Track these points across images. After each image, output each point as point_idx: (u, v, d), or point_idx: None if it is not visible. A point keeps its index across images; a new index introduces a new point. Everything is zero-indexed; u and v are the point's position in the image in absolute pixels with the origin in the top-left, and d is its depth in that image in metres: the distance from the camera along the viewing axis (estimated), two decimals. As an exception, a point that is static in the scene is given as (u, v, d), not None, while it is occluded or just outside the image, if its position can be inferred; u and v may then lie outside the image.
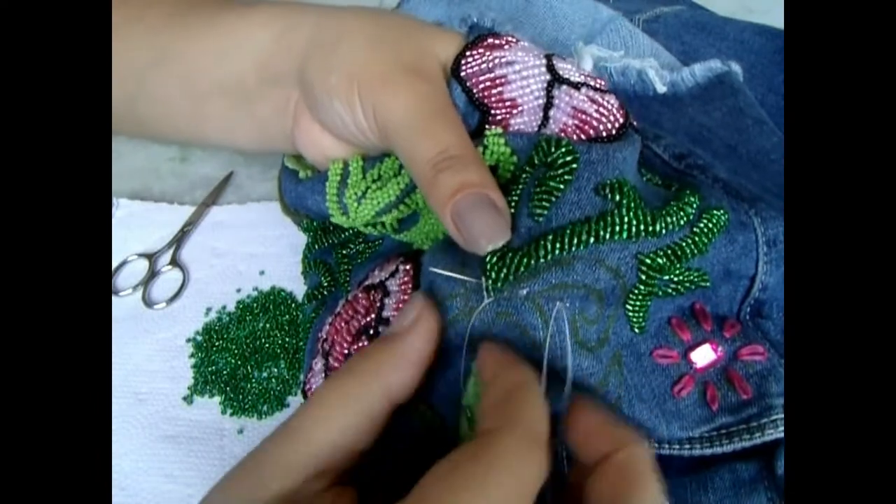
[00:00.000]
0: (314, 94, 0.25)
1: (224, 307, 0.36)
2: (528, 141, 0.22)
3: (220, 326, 0.35)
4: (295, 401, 0.33)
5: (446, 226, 0.20)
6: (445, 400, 0.20)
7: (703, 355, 0.23)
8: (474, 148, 0.22)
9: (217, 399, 0.33)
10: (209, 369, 0.33)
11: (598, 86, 0.24)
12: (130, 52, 0.28)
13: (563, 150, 0.21)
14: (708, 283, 0.23)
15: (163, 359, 0.34)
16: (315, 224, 0.32)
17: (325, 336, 0.26)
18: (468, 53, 0.24)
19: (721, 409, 0.22)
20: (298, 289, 0.36)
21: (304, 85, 0.25)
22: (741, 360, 0.23)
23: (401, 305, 0.23)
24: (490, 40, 0.24)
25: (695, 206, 0.22)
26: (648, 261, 0.21)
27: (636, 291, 0.22)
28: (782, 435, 0.21)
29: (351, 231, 0.30)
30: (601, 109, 0.23)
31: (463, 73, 0.24)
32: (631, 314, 0.22)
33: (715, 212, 0.23)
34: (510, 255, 0.20)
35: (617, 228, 0.20)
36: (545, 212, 0.21)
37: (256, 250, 0.38)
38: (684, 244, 0.22)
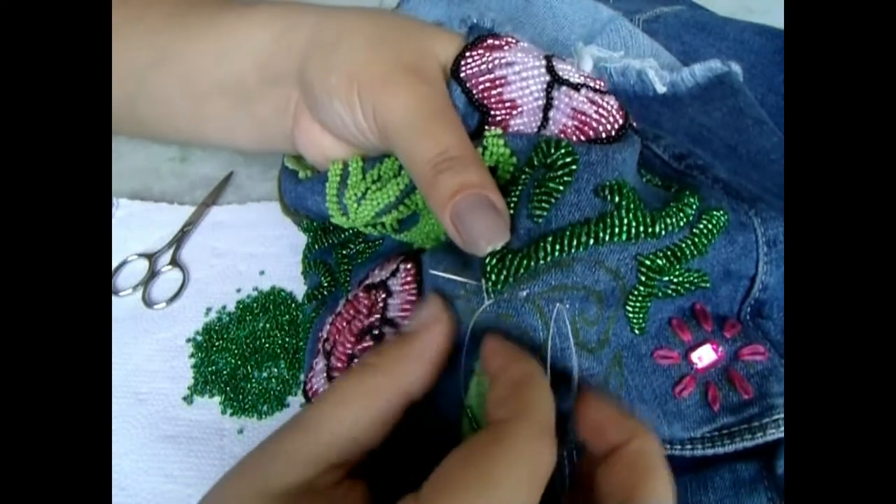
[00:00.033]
0: (314, 94, 0.24)
1: (224, 307, 0.36)
2: (528, 142, 0.22)
3: (220, 326, 0.35)
4: (295, 401, 0.32)
5: (445, 227, 0.21)
6: (448, 399, 0.20)
7: (704, 355, 0.23)
8: (474, 149, 0.22)
9: (217, 399, 0.33)
10: (209, 369, 0.33)
11: (597, 87, 0.24)
12: (130, 52, 0.28)
13: (563, 151, 0.21)
14: (708, 284, 0.23)
15: (163, 359, 0.34)
16: (315, 224, 0.32)
17: (326, 336, 0.26)
18: (468, 54, 0.24)
19: (722, 409, 0.22)
20: (298, 289, 0.36)
21: (304, 85, 0.25)
22: (742, 360, 0.23)
23: (406, 306, 0.23)
24: (490, 41, 0.24)
25: (694, 207, 0.22)
26: (648, 262, 0.21)
27: (636, 292, 0.22)
28: (783, 434, 0.21)
29: (351, 231, 0.30)
30: (601, 111, 0.23)
31: (463, 74, 0.24)
32: (631, 315, 0.22)
33: (714, 212, 0.23)
34: (510, 256, 0.20)
35: (616, 230, 0.20)
36: (544, 213, 0.21)
37: (256, 250, 0.38)
38: (684, 245, 0.22)
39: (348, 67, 0.23)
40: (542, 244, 0.20)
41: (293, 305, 0.36)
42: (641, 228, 0.21)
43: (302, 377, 0.33)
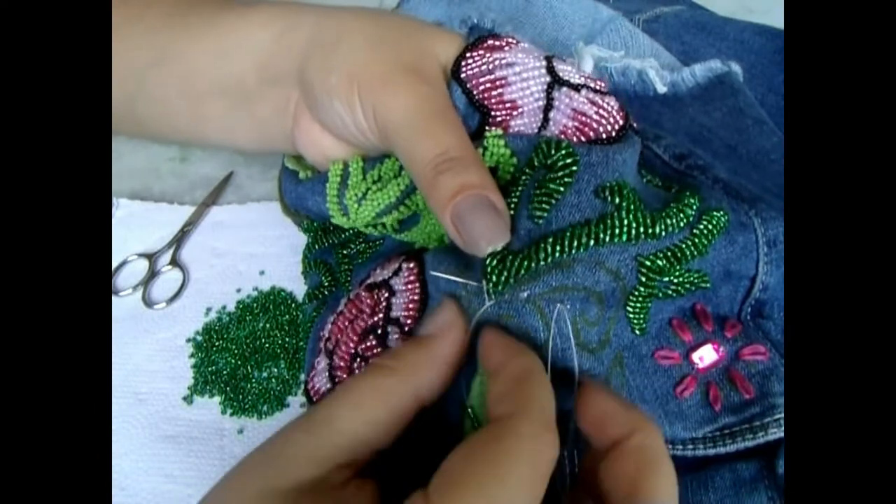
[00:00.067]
0: (314, 95, 0.24)
1: (224, 307, 0.36)
2: (528, 143, 0.22)
3: (220, 326, 0.35)
4: (295, 401, 0.32)
5: (446, 227, 0.20)
6: (449, 399, 0.20)
7: (705, 356, 0.23)
8: (474, 149, 0.22)
9: (217, 399, 0.33)
10: (209, 369, 0.33)
11: (598, 87, 0.24)
12: (130, 52, 0.28)
13: (563, 152, 0.21)
14: (708, 284, 0.23)
15: (163, 359, 0.34)
16: (315, 224, 0.32)
17: (327, 335, 0.26)
18: (468, 55, 0.24)
19: (724, 409, 0.22)
20: (298, 289, 0.36)
21: (304, 85, 0.25)
22: (743, 359, 0.23)
23: (410, 305, 0.23)
24: (490, 42, 0.24)
25: (694, 207, 0.22)
26: (648, 263, 0.21)
27: (636, 293, 0.22)
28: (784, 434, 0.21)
29: (351, 231, 0.30)
30: (601, 111, 0.23)
31: (463, 75, 0.24)
32: (632, 316, 0.22)
33: (715, 213, 0.23)
34: (510, 257, 0.20)
35: (617, 231, 0.20)
36: (545, 214, 0.21)
37: (256, 250, 0.38)
38: (684, 246, 0.22)
39: (348, 67, 0.23)
40: (542, 245, 0.20)
41: (293, 305, 0.36)
42: (642, 229, 0.21)
43: (302, 377, 0.33)
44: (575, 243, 0.20)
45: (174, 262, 0.38)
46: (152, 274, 0.37)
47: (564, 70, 0.24)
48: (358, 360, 0.24)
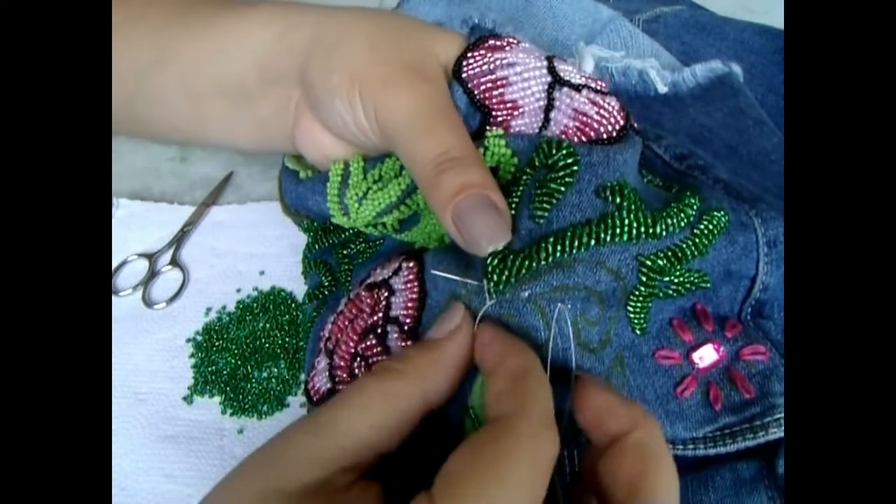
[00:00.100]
0: (315, 94, 0.24)
1: (224, 307, 0.36)
2: (529, 143, 0.22)
3: (220, 326, 0.35)
4: (295, 401, 0.32)
5: (447, 227, 0.20)
6: (450, 399, 0.20)
7: (706, 356, 0.23)
8: (475, 149, 0.22)
9: (217, 399, 0.32)
10: (209, 369, 0.33)
11: (598, 88, 0.24)
12: (130, 52, 0.28)
13: (564, 152, 0.21)
14: (708, 284, 0.23)
15: (163, 359, 0.34)
16: (315, 224, 0.32)
17: (327, 335, 0.26)
18: (470, 55, 0.24)
19: (724, 408, 0.22)
20: (298, 289, 0.36)
21: (306, 85, 0.25)
22: (743, 359, 0.23)
23: (409, 304, 0.23)
24: (491, 42, 0.24)
25: (695, 207, 0.22)
26: (649, 262, 0.21)
27: (637, 293, 0.22)
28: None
29: (351, 231, 0.30)
30: (602, 111, 0.23)
31: (464, 75, 0.24)
32: (632, 315, 0.22)
33: (715, 213, 0.23)
34: (511, 257, 0.20)
35: (618, 230, 0.21)
36: (546, 214, 0.21)
37: (256, 250, 0.38)
38: (685, 246, 0.22)
39: (350, 67, 0.23)
40: (543, 245, 0.20)
41: (293, 305, 0.36)
42: (642, 229, 0.21)
43: (302, 377, 0.33)
44: (576, 243, 0.20)
45: (174, 262, 0.38)
46: (152, 274, 0.37)
47: (565, 70, 0.24)
48: (358, 359, 0.24)
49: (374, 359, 0.23)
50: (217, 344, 0.34)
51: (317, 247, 0.32)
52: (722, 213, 0.23)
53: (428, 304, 0.23)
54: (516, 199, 0.22)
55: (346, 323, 0.25)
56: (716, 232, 0.23)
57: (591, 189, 0.21)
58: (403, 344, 0.23)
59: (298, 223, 0.34)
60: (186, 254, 0.38)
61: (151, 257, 0.38)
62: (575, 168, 0.21)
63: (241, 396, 0.32)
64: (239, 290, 0.37)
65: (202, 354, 0.34)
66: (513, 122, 0.24)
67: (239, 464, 0.17)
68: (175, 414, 0.32)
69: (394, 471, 0.18)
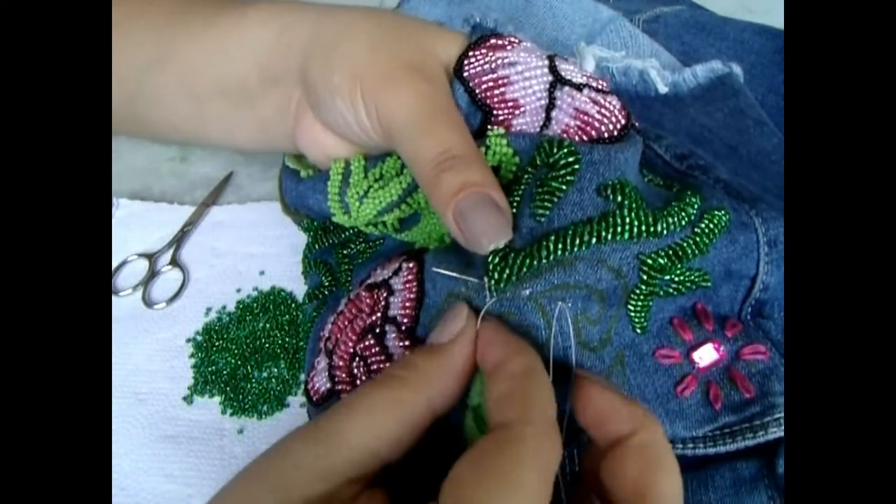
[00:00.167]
0: (316, 94, 0.24)
1: (224, 307, 0.36)
2: (531, 142, 0.23)
3: (220, 326, 0.35)
4: (295, 401, 0.32)
5: (448, 225, 0.20)
6: None
7: (706, 355, 0.23)
8: (476, 148, 0.22)
9: (217, 399, 0.32)
10: (209, 369, 0.33)
11: (599, 87, 0.24)
12: (130, 50, 0.28)
13: (566, 150, 0.21)
14: (709, 283, 0.23)
15: (163, 359, 0.34)
16: (315, 224, 0.32)
17: (327, 335, 0.26)
18: (471, 54, 0.24)
19: (724, 408, 0.22)
20: (298, 289, 0.36)
21: (306, 84, 0.25)
22: (743, 359, 0.23)
23: (407, 304, 0.23)
24: (493, 41, 0.24)
25: (696, 206, 0.22)
26: (650, 261, 0.21)
27: (638, 291, 0.22)
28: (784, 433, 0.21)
29: (351, 231, 0.30)
30: (603, 111, 0.23)
31: (466, 74, 0.24)
32: (633, 314, 0.22)
33: (716, 212, 0.23)
34: (512, 255, 0.20)
35: (619, 229, 0.21)
36: (547, 212, 0.21)
37: (256, 250, 0.38)
38: (685, 244, 0.22)
39: (351, 67, 0.23)
40: (544, 243, 0.20)
41: (293, 305, 0.36)
42: (643, 227, 0.21)
43: (302, 377, 0.33)
44: (577, 241, 0.20)
45: (174, 262, 0.38)
46: (152, 274, 0.37)
47: (566, 69, 0.24)
48: (356, 359, 0.24)
49: (373, 359, 0.23)
50: (217, 344, 0.34)
51: (317, 247, 0.32)
52: (723, 212, 0.23)
53: (426, 303, 0.23)
54: (518, 198, 0.22)
55: (346, 323, 0.25)
56: (716, 231, 0.23)
57: (592, 187, 0.21)
58: (401, 344, 0.23)
59: (298, 223, 0.34)
60: (186, 254, 0.38)
61: (151, 257, 0.38)
62: (576, 167, 0.21)
63: (241, 396, 0.32)
64: (239, 290, 0.37)
65: (202, 354, 0.34)
66: (514, 121, 0.24)
67: (238, 474, 0.17)
68: (175, 414, 0.32)
69: (394, 472, 0.18)
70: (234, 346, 0.34)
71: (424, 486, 0.16)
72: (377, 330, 0.23)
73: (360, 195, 0.26)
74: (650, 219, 0.21)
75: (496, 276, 0.20)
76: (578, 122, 0.23)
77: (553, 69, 0.24)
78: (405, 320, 0.23)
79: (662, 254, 0.22)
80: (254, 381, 0.33)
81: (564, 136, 0.23)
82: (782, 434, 0.21)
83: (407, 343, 0.22)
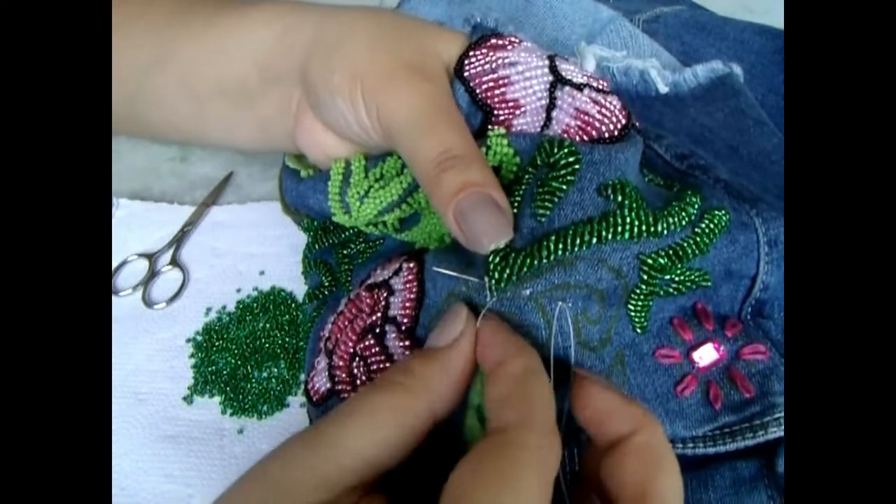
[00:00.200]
0: (317, 94, 0.24)
1: (224, 307, 0.36)
2: (531, 142, 0.23)
3: (220, 326, 0.35)
4: (295, 401, 0.32)
5: (449, 225, 0.21)
6: None
7: (706, 355, 0.23)
8: (477, 147, 0.22)
9: (217, 399, 0.32)
10: (209, 369, 0.33)
11: (600, 87, 0.24)
12: (130, 51, 0.28)
13: (566, 150, 0.21)
14: (709, 283, 0.23)
15: (163, 359, 0.34)
16: (315, 224, 0.32)
17: (327, 335, 0.26)
18: (471, 54, 0.24)
19: (724, 407, 0.22)
20: (298, 289, 0.36)
21: (307, 84, 0.25)
22: (743, 359, 0.23)
23: (407, 304, 0.23)
24: (493, 41, 0.24)
25: (696, 206, 0.22)
26: (650, 261, 0.21)
27: (638, 291, 0.22)
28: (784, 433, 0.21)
29: (351, 231, 0.30)
30: (603, 111, 0.23)
31: (466, 74, 0.24)
32: (633, 314, 0.22)
33: (716, 212, 0.23)
34: (513, 255, 0.20)
35: (619, 229, 0.21)
36: (548, 212, 0.21)
37: (256, 250, 0.38)
38: (686, 244, 0.22)
39: (351, 66, 0.23)
40: (545, 243, 0.20)
41: (293, 305, 0.36)
42: (644, 227, 0.21)
43: (302, 377, 0.33)
44: (578, 241, 0.20)
45: (174, 262, 0.38)
46: (152, 274, 0.37)
47: (567, 69, 0.24)
48: (356, 359, 0.24)
49: (373, 359, 0.23)
50: (217, 344, 0.34)
51: (317, 247, 0.32)
52: (723, 212, 0.23)
53: (426, 303, 0.23)
54: (518, 198, 0.22)
55: (346, 323, 0.25)
56: (717, 231, 0.23)
57: (592, 187, 0.21)
58: (401, 344, 0.23)
59: (298, 222, 0.34)
60: (186, 254, 0.38)
61: (151, 257, 0.38)
62: (577, 167, 0.21)
63: (241, 396, 0.32)
64: (239, 290, 0.37)
65: (202, 354, 0.34)
66: (514, 121, 0.24)
67: (238, 480, 0.17)
68: (175, 414, 0.32)
69: (394, 475, 0.18)
70: (234, 346, 0.34)
71: (424, 489, 0.16)
72: (377, 330, 0.23)
73: (360, 195, 0.26)
74: (651, 219, 0.21)
75: (497, 275, 0.20)
76: (579, 122, 0.23)
77: (553, 69, 0.24)
78: (405, 320, 0.23)
79: (663, 254, 0.22)
80: (254, 381, 0.33)
81: (565, 136, 0.23)
82: (782, 434, 0.21)
83: (407, 343, 0.22)
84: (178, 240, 0.39)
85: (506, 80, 0.24)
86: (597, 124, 0.23)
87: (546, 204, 0.21)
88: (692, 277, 0.23)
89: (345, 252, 0.31)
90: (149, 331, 0.35)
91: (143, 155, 0.44)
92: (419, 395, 0.18)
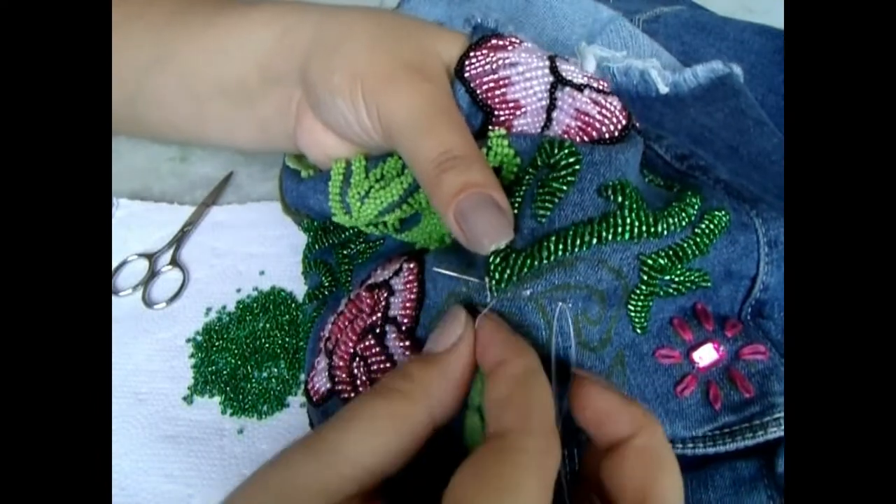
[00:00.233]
0: (317, 94, 0.24)
1: (224, 307, 0.36)
2: (532, 142, 0.23)
3: (220, 326, 0.35)
4: (295, 401, 0.32)
5: (449, 225, 0.20)
6: None
7: (705, 355, 0.23)
8: (478, 148, 0.22)
9: (217, 399, 0.32)
10: (209, 369, 0.33)
11: (600, 87, 0.24)
12: (130, 51, 0.28)
13: (566, 151, 0.21)
14: (709, 284, 0.24)
15: (163, 359, 0.34)
16: (315, 224, 0.32)
17: (327, 335, 0.26)
18: (472, 54, 0.24)
19: (724, 408, 0.22)
20: (298, 289, 0.36)
21: (307, 84, 0.25)
22: (743, 359, 0.23)
23: (408, 304, 0.23)
24: (494, 41, 0.24)
25: (696, 207, 0.22)
26: (650, 261, 0.21)
27: (638, 292, 0.22)
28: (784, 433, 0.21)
29: (351, 231, 0.30)
30: (604, 111, 0.23)
31: (467, 74, 0.24)
32: (633, 314, 0.22)
33: (716, 213, 0.23)
34: (513, 255, 0.20)
35: (619, 229, 0.21)
36: (548, 213, 0.21)
37: (256, 250, 0.38)
38: (686, 245, 0.22)
39: (351, 67, 0.23)
40: (545, 243, 0.20)
41: (293, 305, 0.36)
42: (644, 228, 0.21)
43: (302, 377, 0.33)
44: (578, 241, 0.20)
45: (174, 262, 0.38)
46: (152, 274, 0.37)
47: (567, 70, 0.24)
48: (357, 359, 0.24)
49: (373, 359, 0.23)
50: (217, 344, 0.34)
51: (317, 247, 0.32)
52: (723, 212, 0.23)
53: (426, 304, 0.23)
54: (519, 199, 0.22)
55: (346, 323, 0.25)
56: (717, 231, 0.23)
57: (593, 188, 0.21)
58: (402, 344, 0.23)
59: (298, 223, 0.34)
60: (186, 254, 0.38)
61: (151, 257, 0.38)
62: (577, 167, 0.21)
63: (241, 396, 0.32)
64: (239, 290, 0.37)
65: (202, 354, 0.34)
66: (515, 122, 0.24)
67: (239, 486, 0.17)
68: (175, 414, 0.32)
69: (394, 478, 0.18)
70: (234, 346, 0.34)
71: (424, 494, 0.16)
72: (377, 330, 0.23)
73: (361, 195, 0.26)
74: (651, 219, 0.21)
75: (497, 276, 0.20)
76: (579, 123, 0.23)
77: (554, 70, 0.24)
78: (405, 321, 0.23)
79: (663, 254, 0.22)
80: (254, 381, 0.33)
81: (565, 136, 0.23)
82: (782, 434, 0.21)
83: (407, 343, 0.23)
84: (178, 240, 0.39)
85: (506, 81, 0.24)
86: (597, 125, 0.23)
87: (546, 204, 0.21)
88: (692, 278, 0.23)
89: (345, 252, 0.31)
90: (149, 331, 0.35)
91: (143, 155, 0.44)
92: (418, 401, 0.18)
